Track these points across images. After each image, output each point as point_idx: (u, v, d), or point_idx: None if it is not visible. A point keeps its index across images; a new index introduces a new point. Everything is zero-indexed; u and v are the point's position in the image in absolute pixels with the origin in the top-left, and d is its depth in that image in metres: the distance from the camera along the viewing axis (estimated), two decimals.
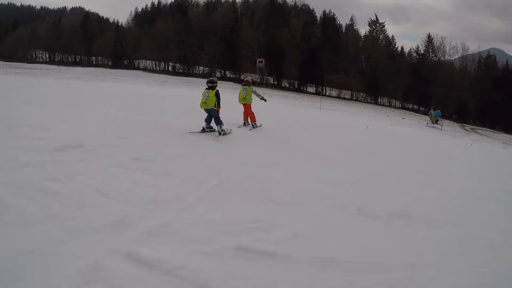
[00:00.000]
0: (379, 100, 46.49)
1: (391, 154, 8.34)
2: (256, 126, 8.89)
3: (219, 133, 7.38)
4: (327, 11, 51.39)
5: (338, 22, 51.46)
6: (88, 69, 47.20)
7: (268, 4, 53.25)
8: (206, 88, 7.45)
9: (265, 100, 9.62)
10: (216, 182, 4.54)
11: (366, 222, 3.99)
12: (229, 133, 7.70)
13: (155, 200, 3.70)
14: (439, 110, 23.83)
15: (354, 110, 30.53)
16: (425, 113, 29.77)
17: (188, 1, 59.55)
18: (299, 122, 11.33)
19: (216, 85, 7.53)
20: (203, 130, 7.59)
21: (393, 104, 45.62)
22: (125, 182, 4.06)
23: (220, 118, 7.44)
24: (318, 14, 51.84)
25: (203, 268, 2.57)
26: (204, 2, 59.74)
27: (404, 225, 4.01)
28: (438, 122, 23.02)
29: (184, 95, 16.83)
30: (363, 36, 49.59)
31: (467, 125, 36.27)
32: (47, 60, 64.61)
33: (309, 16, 50.36)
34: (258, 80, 48.54)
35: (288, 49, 46.76)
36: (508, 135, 32.14)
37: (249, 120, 8.93)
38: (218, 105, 7.47)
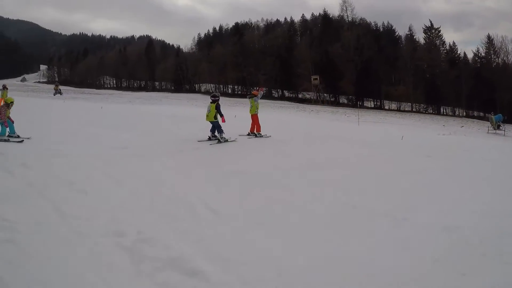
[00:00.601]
0: (442, 110, 43.20)
1: (394, 168, 6.82)
2: (258, 136, 9.65)
3: (219, 140, 8.44)
4: (385, 23, 50.08)
5: (397, 33, 49.50)
6: (149, 94, 50.63)
7: (321, 20, 53.11)
8: (210, 102, 8.61)
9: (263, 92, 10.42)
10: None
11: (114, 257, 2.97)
12: (232, 141, 8.70)
13: None
14: (500, 114, 21.55)
15: (407, 122, 28.70)
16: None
17: (249, 25, 62.13)
18: (308, 134, 11.40)
19: (218, 99, 8.67)
20: (209, 139, 8.69)
21: (456, 113, 42.07)
22: None
23: (222, 128, 8.51)
24: (375, 27, 50.29)
25: None
26: (264, 25, 62.02)
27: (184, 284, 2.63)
28: (501, 128, 20.71)
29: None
30: (423, 44, 46.53)
31: None
32: (114, 86, 71.48)
33: (365, 29, 48.63)
34: (314, 97, 48.26)
35: (342, 64, 45.73)
36: None
37: (255, 130, 9.77)
38: (221, 114, 8.47)
